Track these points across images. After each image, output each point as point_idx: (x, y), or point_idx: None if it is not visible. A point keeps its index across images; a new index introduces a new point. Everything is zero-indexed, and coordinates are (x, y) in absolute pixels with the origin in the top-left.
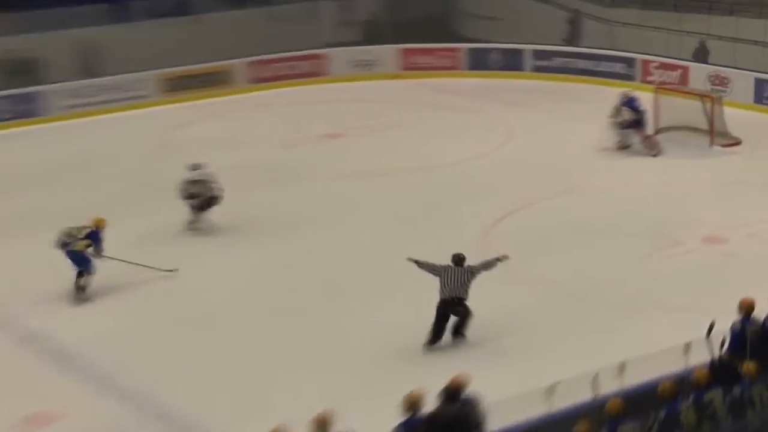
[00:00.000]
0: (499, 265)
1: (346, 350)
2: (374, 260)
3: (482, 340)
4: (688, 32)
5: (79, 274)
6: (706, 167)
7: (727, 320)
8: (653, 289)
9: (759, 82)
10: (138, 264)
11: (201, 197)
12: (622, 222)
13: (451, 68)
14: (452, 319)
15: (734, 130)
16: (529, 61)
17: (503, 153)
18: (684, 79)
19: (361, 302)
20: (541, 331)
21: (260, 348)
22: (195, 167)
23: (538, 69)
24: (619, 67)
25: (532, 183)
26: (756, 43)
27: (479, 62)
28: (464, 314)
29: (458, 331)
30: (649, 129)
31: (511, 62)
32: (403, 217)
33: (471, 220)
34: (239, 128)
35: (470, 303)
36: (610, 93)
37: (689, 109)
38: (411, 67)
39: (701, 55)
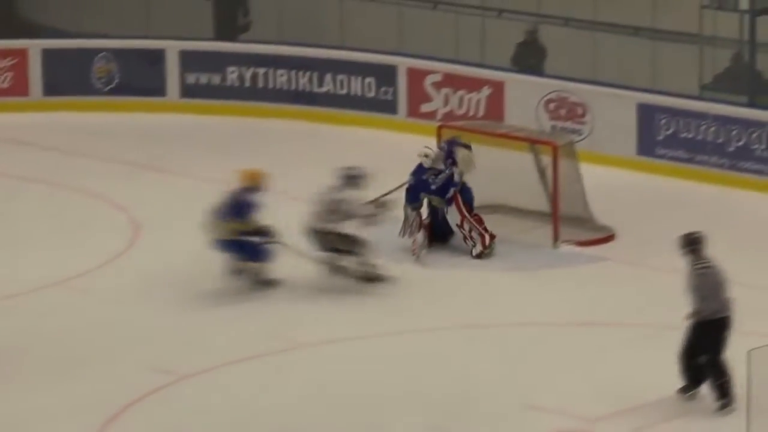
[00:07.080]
0: None
1: None
2: None
3: None
4: (500, 11)
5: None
6: (542, 293)
7: None
8: None
9: (645, 111)
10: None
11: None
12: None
13: (9, 93)
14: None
15: (603, 212)
16: (174, 74)
17: (121, 274)
18: (495, 106)
19: None
20: None
21: None
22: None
23: (194, 92)
24: (359, 86)
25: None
26: (635, 30)
27: (72, 79)
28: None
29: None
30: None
31: (141, 77)
32: None
33: None
34: None
35: None
36: (339, 138)
37: (509, 170)
38: None
39: (530, 56)
